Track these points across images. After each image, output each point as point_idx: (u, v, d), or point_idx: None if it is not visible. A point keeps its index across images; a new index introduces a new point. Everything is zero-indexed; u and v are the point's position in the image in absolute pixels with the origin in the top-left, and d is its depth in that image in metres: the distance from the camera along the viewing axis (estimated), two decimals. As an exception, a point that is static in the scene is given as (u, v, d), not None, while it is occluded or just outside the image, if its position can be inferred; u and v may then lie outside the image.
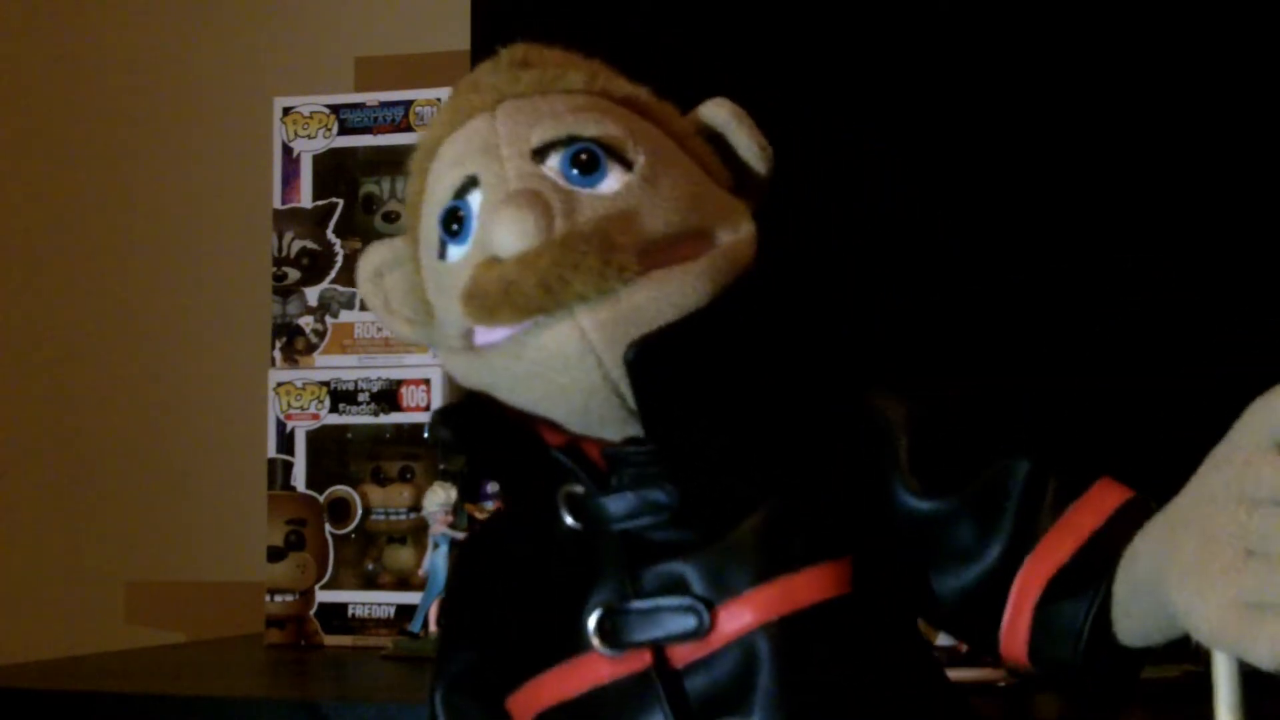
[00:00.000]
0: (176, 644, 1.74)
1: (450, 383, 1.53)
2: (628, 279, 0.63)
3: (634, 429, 0.67)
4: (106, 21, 1.94)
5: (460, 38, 1.67)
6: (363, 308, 1.57)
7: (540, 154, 0.67)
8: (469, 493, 1.44)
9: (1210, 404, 1.42)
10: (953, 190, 1.45)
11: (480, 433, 0.69)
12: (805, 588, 0.65)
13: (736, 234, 0.69)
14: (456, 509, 1.42)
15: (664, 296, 0.64)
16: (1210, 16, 1.42)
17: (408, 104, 1.57)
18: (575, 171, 0.66)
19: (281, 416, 1.56)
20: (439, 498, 1.41)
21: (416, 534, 1.52)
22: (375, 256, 0.75)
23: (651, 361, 0.64)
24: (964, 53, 1.47)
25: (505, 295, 0.63)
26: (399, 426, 1.54)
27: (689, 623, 0.65)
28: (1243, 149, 1.41)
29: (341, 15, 1.85)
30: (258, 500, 1.59)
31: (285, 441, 1.56)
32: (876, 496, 0.68)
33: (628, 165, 0.67)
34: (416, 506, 1.49)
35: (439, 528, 1.41)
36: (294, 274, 1.60)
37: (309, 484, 1.55)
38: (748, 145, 0.73)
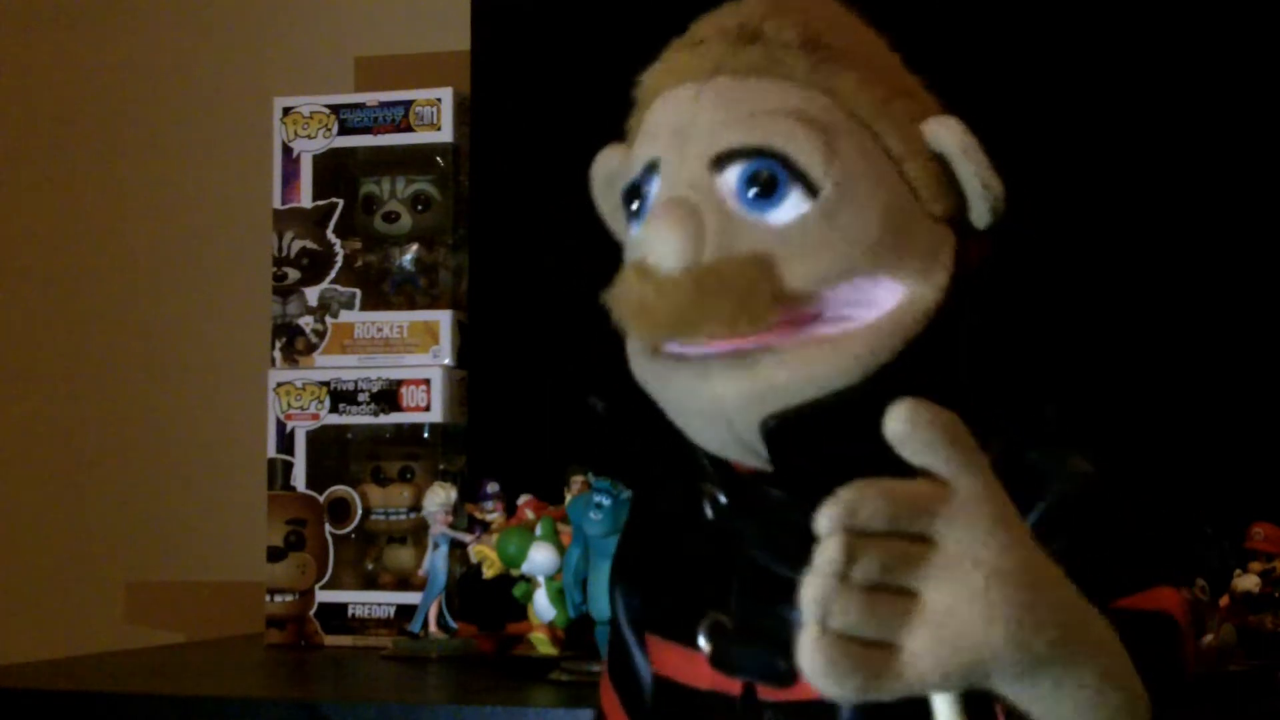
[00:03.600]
0: (176, 644, 1.74)
1: (450, 382, 1.53)
2: (762, 333, 0.61)
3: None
4: (107, 22, 1.94)
5: (460, 38, 1.67)
6: (364, 306, 1.57)
7: (720, 162, 0.63)
8: (469, 493, 1.44)
9: (1211, 404, 1.43)
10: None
11: (634, 410, 0.69)
12: None
13: (920, 283, 0.63)
14: (456, 509, 1.42)
15: (809, 377, 0.61)
16: (1210, 17, 1.42)
17: (408, 104, 1.57)
18: (752, 192, 0.62)
19: (281, 416, 1.56)
20: (439, 498, 1.41)
21: (416, 534, 1.52)
22: (606, 164, 0.72)
23: (789, 433, 0.62)
24: (964, 53, 1.47)
25: (639, 315, 0.63)
26: (399, 426, 1.54)
27: (779, 668, 0.64)
28: (1243, 149, 1.41)
29: (341, 15, 1.85)
30: (258, 500, 1.59)
31: (285, 441, 1.56)
32: None
33: (813, 191, 0.62)
34: (416, 506, 1.49)
35: (439, 528, 1.41)
36: (294, 274, 1.59)
37: (309, 484, 1.55)
38: (971, 180, 0.65)
